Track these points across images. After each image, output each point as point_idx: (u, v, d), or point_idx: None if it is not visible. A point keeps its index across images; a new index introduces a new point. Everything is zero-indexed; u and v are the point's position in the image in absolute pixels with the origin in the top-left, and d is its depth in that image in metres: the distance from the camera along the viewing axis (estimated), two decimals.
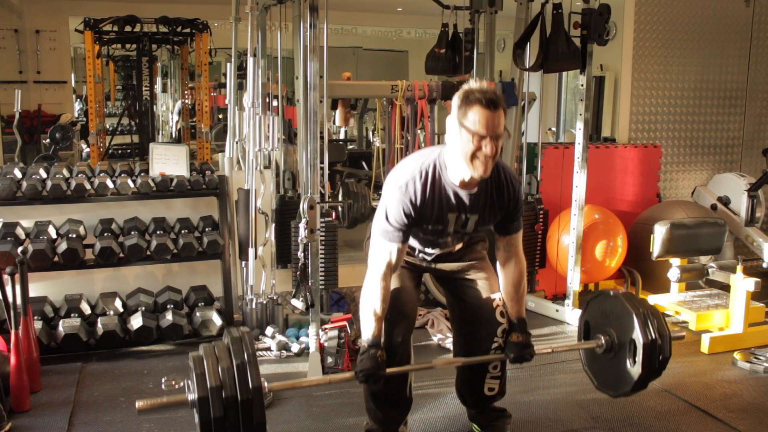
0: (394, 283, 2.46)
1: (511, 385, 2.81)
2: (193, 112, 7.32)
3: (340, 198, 4.70)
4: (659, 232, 4.02)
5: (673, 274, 4.05)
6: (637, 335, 2.56)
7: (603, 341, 2.70)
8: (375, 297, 2.32)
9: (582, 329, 2.85)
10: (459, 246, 2.57)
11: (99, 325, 3.55)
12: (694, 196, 5.15)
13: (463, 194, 2.32)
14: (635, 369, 2.59)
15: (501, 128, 2.17)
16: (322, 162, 3.69)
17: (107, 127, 7.28)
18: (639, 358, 2.56)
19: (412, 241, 2.50)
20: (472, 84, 2.20)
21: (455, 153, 2.22)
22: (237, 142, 4.06)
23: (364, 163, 7.53)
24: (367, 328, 2.32)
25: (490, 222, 2.46)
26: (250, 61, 3.89)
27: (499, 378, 2.65)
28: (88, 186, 3.66)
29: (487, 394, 2.64)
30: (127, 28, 6.54)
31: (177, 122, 8.04)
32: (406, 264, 2.59)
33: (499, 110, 2.15)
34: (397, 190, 2.29)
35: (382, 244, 2.33)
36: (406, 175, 2.30)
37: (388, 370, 2.35)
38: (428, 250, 2.55)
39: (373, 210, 2.48)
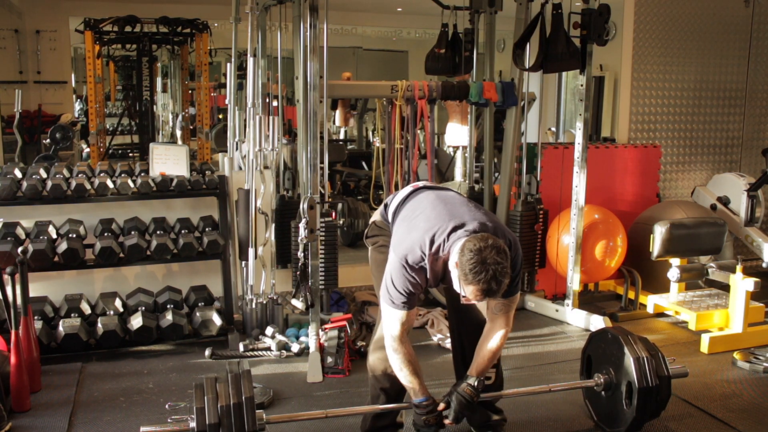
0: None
1: (511, 385, 2.82)
2: (194, 119, 7.33)
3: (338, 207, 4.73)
4: (659, 232, 4.03)
5: (673, 274, 4.05)
6: (633, 380, 2.61)
7: (601, 380, 2.78)
8: (402, 362, 2.39)
9: (584, 363, 2.93)
10: None
11: (99, 325, 3.56)
12: (693, 196, 5.16)
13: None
14: (630, 411, 2.65)
15: (498, 295, 2.24)
16: (322, 162, 3.70)
17: (107, 127, 7.29)
18: (634, 402, 2.61)
19: None
20: (476, 244, 2.20)
21: (455, 273, 2.27)
22: (237, 142, 4.07)
23: (364, 163, 7.53)
24: (412, 390, 2.43)
25: None
26: (250, 61, 3.89)
27: (496, 366, 2.66)
28: (88, 186, 3.66)
29: (486, 383, 2.64)
30: (127, 29, 6.55)
31: (180, 135, 8.02)
32: None
33: (499, 290, 2.21)
34: (402, 268, 2.34)
35: (392, 313, 2.39)
36: (417, 254, 2.33)
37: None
38: None
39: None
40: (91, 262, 3.67)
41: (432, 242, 2.32)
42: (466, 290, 2.23)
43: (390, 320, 2.39)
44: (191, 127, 7.52)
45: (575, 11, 4.00)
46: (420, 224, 2.39)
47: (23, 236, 3.62)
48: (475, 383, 2.44)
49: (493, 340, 2.46)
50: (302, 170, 3.65)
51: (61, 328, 3.49)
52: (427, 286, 2.45)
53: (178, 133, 8.02)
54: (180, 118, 7.96)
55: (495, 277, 2.17)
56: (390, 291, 2.36)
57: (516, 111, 4.36)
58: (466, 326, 2.64)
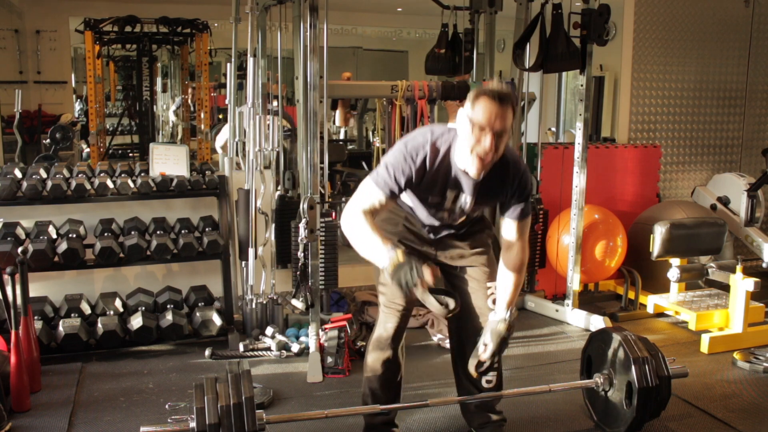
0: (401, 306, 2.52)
1: (511, 385, 2.82)
2: (194, 106, 7.32)
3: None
4: (659, 232, 4.03)
5: (673, 274, 4.05)
6: (633, 380, 2.61)
7: (601, 381, 2.79)
8: (364, 226, 2.24)
9: (584, 363, 2.94)
10: (461, 220, 2.53)
11: (99, 325, 3.56)
12: (693, 196, 5.16)
13: (465, 178, 2.32)
14: (630, 411, 2.65)
15: (503, 124, 2.16)
16: (322, 162, 3.70)
17: (107, 127, 7.29)
18: (635, 402, 2.62)
19: (418, 210, 2.48)
20: (491, 82, 2.23)
21: (462, 144, 2.25)
22: (237, 142, 4.07)
23: (364, 163, 7.53)
24: (377, 250, 2.19)
25: (491, 202, 2.50)
26: (250, 61, 3.89)
27: (497, 369, 2.65)
28: (88, 186, 3.66)
29: (486, 386, 2.65)
30: (127, 29, 6.55)
31: (176, 124, 8.02)
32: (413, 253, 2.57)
33: (505, 106, 2.16)
34: (405, 150, 2.27)
35: (371, 188, 2.28)
36: (418, 140, 2.29)
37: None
38: (431, 221, 2.51)
39: None
40: (91, 262, 3.67)
41: (433, 132, 2.32)
42: (475, 112, 2.15)
43: (364, 193, 2.28)
44: (189, 113, 7.50)
45: (575, 11, 3.99)
46: (431, 128, 2.38)
47: (23, 236, 3.62)
48: (507, 316, 2.42)
49: (513, 271, 2.45)
50: (302, 170, 3.65)
51: (61, 328, 3.49)
52: (424, 190, 2.34)
53: (173, 118, 8.00)
54: (179, 101, 7.95)
55: (506, 90, 2.17)
56: (379, 169, 2.29)
57: (516, 111, 4.35)
58: (466, 332, 2.64)
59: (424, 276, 2.09)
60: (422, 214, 2.50)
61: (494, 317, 2.45)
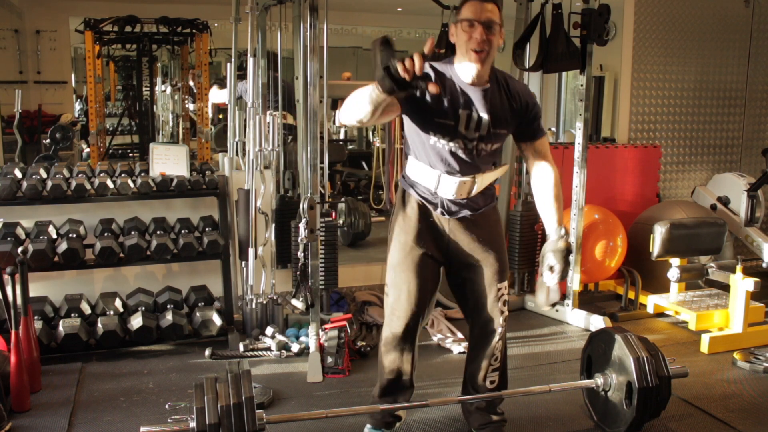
0: (411, 273, 2.50)
1: (511, 385, 2.81)
2: (193, 97, 7.33)
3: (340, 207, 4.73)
4: (659, 232, 4.03)
5: (673, 274, 4.05)
6: (633, 380, 2.61)
7: (601, 380, 2.79)
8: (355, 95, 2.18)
9: (584, 363, 2.94)
10: (482, 153, 2.42)
11: (99, 325, 3.56)
12: (693, 196, 5.16)
13: (472, 91, 2.33)
14: (630, 411, 2.65)
15: (491, 16, 2.24)
16: (322, 162, 3.70)
17: (107, 127, 7.30)
18: (635, 402, 2.62)
19: (433, 160, 2.41)
20: None
21: (458, 53, 2.30)
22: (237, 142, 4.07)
23: (364, 163, 7.54)
24: (367, 88, 2.12)
25: (504, 126, 2.42)
26: (250, 61, 3.89)
27: (499, 369, 2.65)
28: (88, 186, 3.66)
29: (489, 387, 2.65)
30: (128, 29, 6.56)
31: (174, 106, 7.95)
32: (424, 241, 2.52)
33: (488, 2, 2.24)
34: None
35: (369, 88, 2.11)
36: None
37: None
38: (445, 175, 2.42)
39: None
40: (91, 262, 3.66)
41: (440, 61, 2.39)
42: (462, 12, 2.24)
43: (365, 90, 2.16)
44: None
45: (575, 11, 3.99)
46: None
47: (23, 236, 3.62)
48: (563, 232, 2.42)
49: (548, 186, 2.48)
50: (302, 170, 3.65)
51: (61, 328, 3.49)
52: (434, 112, 2.32)
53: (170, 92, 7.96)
54: (178, 87, 7.95)
55: None
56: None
57: None
58: (474, 337, 2.65)
59: (414, 58, 1.98)
60: (437, 164, 2.41)
61: (552, 237, 2.43)
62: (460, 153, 2.40)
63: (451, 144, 2.38)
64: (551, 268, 2.39)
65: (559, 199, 2.48)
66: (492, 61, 2.34)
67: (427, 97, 2.29)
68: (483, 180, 2.49)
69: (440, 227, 2.54)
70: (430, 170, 2.46)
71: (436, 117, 2.34)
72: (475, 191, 2.48)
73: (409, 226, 2.53)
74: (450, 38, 2.34)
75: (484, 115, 2.35)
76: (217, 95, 6.36)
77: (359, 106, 2.17)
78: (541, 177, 2.51)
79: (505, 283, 2.59)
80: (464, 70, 2.32)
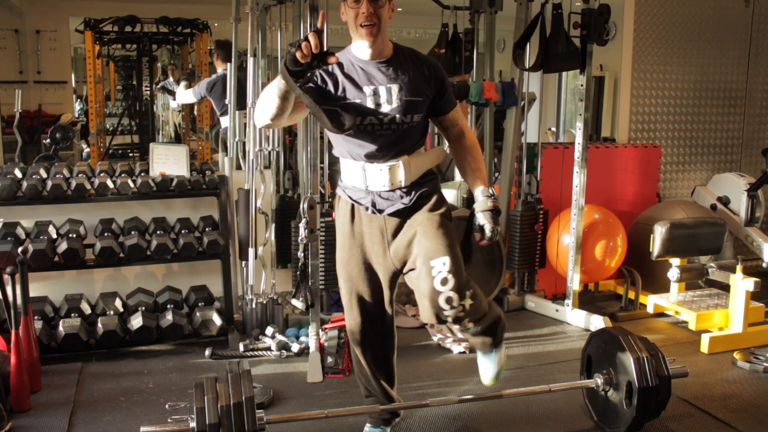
0: (356, 315, 2.50)
1: (511, 385, 2.81)
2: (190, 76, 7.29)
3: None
4: (659, 232, 4.03)
5: (673, 274, 4.05)
6: (633, 380, 2.62)
7: (601, 381, 2.79)
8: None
9: (584, 363, 2.94)
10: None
11: (99, 325, 3.56)
12: (693, 196, 5.16)
13: (373, 66, 2.29)
14: (630, 411, 2.65)
15: None
16: (322, 162, 3.70)
17: (107, 127, 7.30)
18: (635, 401, 2.62)
19: (351, 145, 2.35)
20: None
21: (351, 33, 2.28)
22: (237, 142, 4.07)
23: None
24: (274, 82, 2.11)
25: (418, 94, 2.32)
26: (250, 61, 3.89)
27: (454, 273, 2.30)
28: (88, 186, 3.67)
29: (449, 311, 2.31)
30: (128, 29, 6.57)
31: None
32: (360, 251, 2.44)
33: None
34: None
35: (275, 80, 2.10)
36: None
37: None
38: (368, 164, 2.35)
39: None
40: (91, 262, 3.67)
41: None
42: (349, 1, 2.22)
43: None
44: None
45: (575, 11, 3.99)
46: None
47: (23, 236, 3.62)
48: (490, 191, 2.39)
49: (468, 152, 2.46)
50: (302, 170, 3.65)
51: (61, 328, 3.49)
52: (340, 96, 2.27)
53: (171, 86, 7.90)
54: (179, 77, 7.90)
55: None
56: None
57: (516, 111, 4.36)
58: (417, 294, 2.47)
59: (309, 38, 1.96)
60: (358, 153, 2.35)
61: (479, 198, 2.39)
62: (378, 131, 2.31)
63: (365, 124, 2.30)
64: (481, 228, 2.36)
65: (481, 162, 2.47)
66: (386, 34, 2.28)
67: (330, 86, 2.27)
68: (414, 164, 2.38)
69: (376, 230, 2.42)
70: (353, 163, 2.38)
71: (343, 100, 2.29)
72: (407, 178, 2.36)
73: (342, 235, 2.48)
74: (341, 17, 2.29)
75: (392, 85, 2.30)
76: (184, 95, 6.08)
77: (268, 102, 2.13)
78: (461, 144, 2.48)
79: (443, 259, 2.30)
80: (360, 48, 2.30)
